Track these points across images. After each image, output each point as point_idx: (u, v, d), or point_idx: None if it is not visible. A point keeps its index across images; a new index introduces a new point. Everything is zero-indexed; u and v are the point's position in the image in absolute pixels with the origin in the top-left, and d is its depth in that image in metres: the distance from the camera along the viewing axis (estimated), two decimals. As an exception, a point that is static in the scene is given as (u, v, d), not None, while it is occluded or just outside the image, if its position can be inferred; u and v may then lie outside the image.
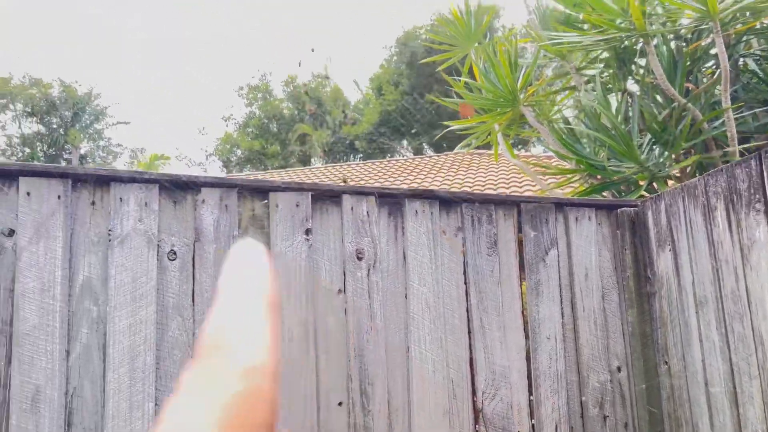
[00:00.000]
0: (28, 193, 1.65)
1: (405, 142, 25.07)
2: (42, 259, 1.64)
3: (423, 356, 2.00)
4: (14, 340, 1.59)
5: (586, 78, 3.50)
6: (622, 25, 2.81)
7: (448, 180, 11.99)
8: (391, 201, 2.08)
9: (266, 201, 1.93)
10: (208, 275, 1.81)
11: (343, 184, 11.68)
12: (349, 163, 18.67)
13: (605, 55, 3.44)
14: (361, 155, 25.92)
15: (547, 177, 4.13)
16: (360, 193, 2.04)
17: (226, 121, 25.83)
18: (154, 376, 1.70)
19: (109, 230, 1.72)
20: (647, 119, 2.99)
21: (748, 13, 2.87)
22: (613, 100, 3.26)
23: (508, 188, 10.36)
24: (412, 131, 23.79)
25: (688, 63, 3.15)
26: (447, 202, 2.15)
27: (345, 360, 1.92)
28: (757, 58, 3.06)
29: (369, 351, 1.94)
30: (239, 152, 25.00)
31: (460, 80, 4.19)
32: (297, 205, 1.95)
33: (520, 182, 9.92)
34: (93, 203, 1.73)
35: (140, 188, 1.77)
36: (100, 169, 1.75)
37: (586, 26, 3.39)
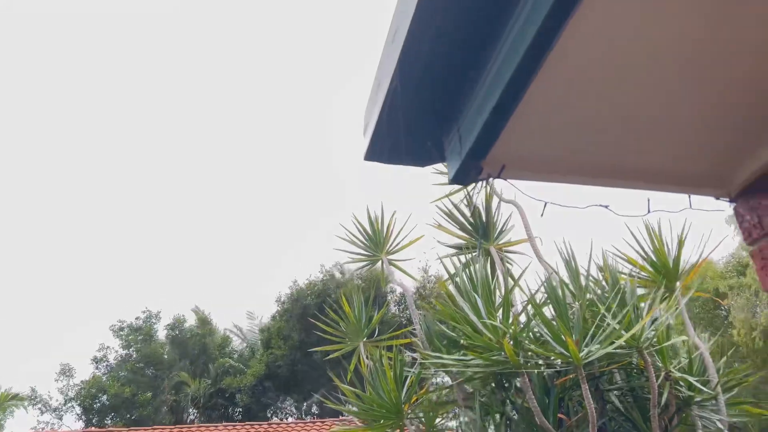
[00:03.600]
0: None
1: (291, 399, 23.99)
2: None
3: None
4: None
5: (465, 394, 3.59)
6: (498, 357, 2.98)
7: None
8: None
9: None
10: None
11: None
12: (224, 425, 17.43)
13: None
14: (241, 409, 24.29)
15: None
16: None
17: (96, 363, 23.85)
18: None
19: None
20: (525, 452, 3.02)
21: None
22: (492, 421, 3.31)
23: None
24: (300, 387, 22.99)
25: (560, 391, 3.34)
26: None
27: None
28: (620, 392, 3.30)
29: None
30: (105, 398, 22.66)
31: (346, 381, 4.16)
32: None
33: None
34: None
35: None
36: None
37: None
